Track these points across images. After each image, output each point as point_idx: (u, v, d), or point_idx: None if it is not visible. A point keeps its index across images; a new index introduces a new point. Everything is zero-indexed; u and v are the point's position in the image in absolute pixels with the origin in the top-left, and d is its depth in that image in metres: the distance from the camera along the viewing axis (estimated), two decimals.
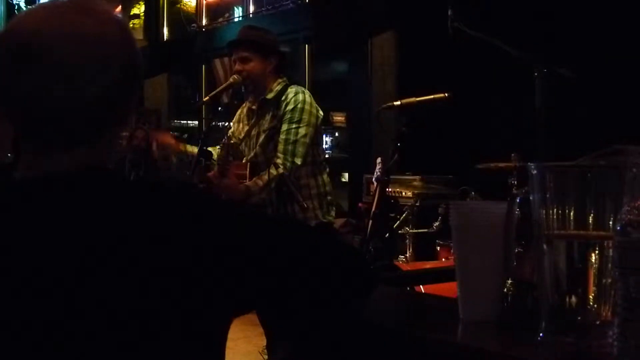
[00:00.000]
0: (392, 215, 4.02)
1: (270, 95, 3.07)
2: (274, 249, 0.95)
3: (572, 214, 0.88)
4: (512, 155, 2.80)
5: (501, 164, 2.81)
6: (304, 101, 3.00)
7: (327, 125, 6.39)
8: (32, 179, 0.93)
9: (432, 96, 2.42)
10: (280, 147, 2.96)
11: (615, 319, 0.83)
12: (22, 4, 11.08)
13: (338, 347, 1.15)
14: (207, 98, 3.21)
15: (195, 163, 3.03)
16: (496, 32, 2.61)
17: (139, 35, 8.97)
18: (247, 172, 3.04)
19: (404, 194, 4.33)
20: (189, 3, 9.11)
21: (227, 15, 8.42)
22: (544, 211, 0.91)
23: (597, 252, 0.88)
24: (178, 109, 9.30)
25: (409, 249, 3.91)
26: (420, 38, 5.18)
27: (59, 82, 0.90)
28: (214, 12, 8.67)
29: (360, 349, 1.12)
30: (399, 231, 3.95)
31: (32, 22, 0.93)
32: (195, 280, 0.88)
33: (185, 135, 9.62)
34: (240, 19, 7.99)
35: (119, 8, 9.54)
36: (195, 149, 3.14)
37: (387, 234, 3.62)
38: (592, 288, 0.88)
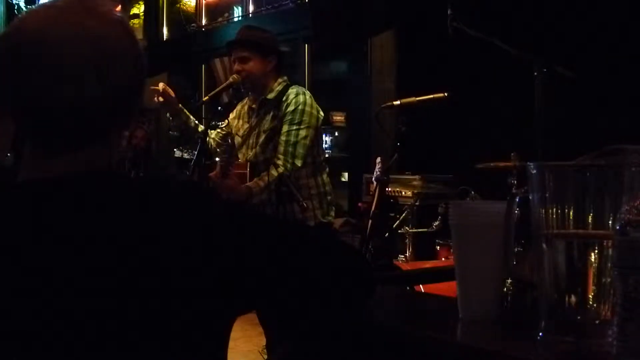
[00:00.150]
0: (392, 214, 4.02)
1: (271, 95, 3.07)
2: (274, 249, 0.95)
3: (571, 213, 0.88)
4: (512, 155, 2.80)
5: (501, 164, 2.80)
6: (304, 102, 3.01)
7: (326, 125, 6.38)
8: (37, 180, 0.93)
9: (431, 96, 2.42)
10: (281, 148, 2.96)
11: (615, 318, 0.83)
12: (22, 4, 11.06)
13: (338, 347, 1.15)
14: (206, 98, 3.22)
15: (195, 163, 3.03)
16: (496, 31, 2.61)
17: (138, 35, 8.92)
18: (247, 171, 3.04)
19: (403, 193, 4.33)
20: (189, 3, 9.10)
21: (226, 15, 8.41)
22: (543, 211, 0.91)
23: (596, 251, 0.88)
24: None
25: (409, 249, 3.92)
26: (420, 38, 5.18)
27: (63, 83, 0.90)
28: (214, 12, 8.66)
29: (360, 349, 1.12)
30: (399, 231, 3.95)
31: (36, 22, 0.93)
32: (198, 280, 0.89)
33: None
34: (240, 18, 7.98)
35: (119, 8, 9.53)
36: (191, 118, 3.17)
37: (387, 234, 3.63)
38: (591, 287, 0.88)
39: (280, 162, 2.93)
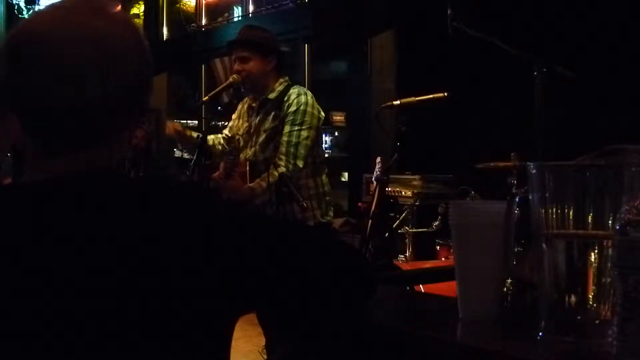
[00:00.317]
0: (392, 214, 4.02)
1: (272, 95, 3.07)
2: (274, 249, 0.95)
3: (571, 213, 0.88)
4: (512, 154, 2.79)
5: (501, 164, 2.80)
6: (306, 103, 3.01)
7: (326, 124, 6.39)
8: (38, 181, 0.93)
9: (431, 96, 2.42)
10: (283, 148, 2.96)
11: (615, 318, 0.83)
12: (22, 4, 11.06)
13: (338, 347, 1.15)
14: (206, 98, 3.22)
15: (195, 163, 3.03)
16: (496, 31, 2.61)
17: None
18: (247, 170, 3.04)
19: (403, 193, 4.33)
20: (189, 3, 9.11)
21: (226, 15, 8.41)
22: (543, 210, 0.91)
23: (596, 251, 0.88)
24: (177, 109, 9.29)
25: (409, 249, 3.91)
26: (419, 38, 5.18)
27: (64, 83, 0.90)
28: (214, 12, 8.66)
29: (360, 349, 1.12)
30: (399, 231, 3.94)
31: (42, 23, 0.93)
32: (198, 281, 0.89)
33: None
34: (240, 18, 7.98)
35: (119, 8, 9.52)
36: (194, 134, 3.18)
37: (387, 234, 3.62)
38: (591, 287, 0.88)
39: (282, 163, 2.93)
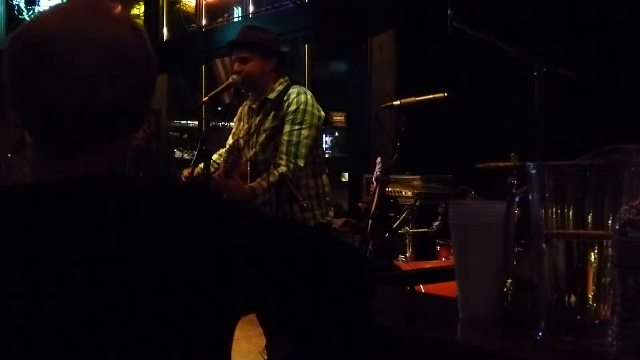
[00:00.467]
0: (392, 215, 4.01)
1: (272, 95, 3.08)
2: (275, 250, 0.96)
3: (571, 213, 0.89)
4: (512, 154, 2.79)
5: (501, 164, 2.80)
6: (306, 102, 3.01)
7: (326, 124, 6.39)
8: (47, 182, 0.93)
9: (431, 96, 2.42)
10: (283, 148, 2.96)
11: (615, 318, 0.83)
12: (22, 5, 11.06)
13: (338, 347, 1.15)
14: (206, 98, 3.22)
15: (195, 163, 3.03)
16: (496, 31, 2.61)
17: None
18: (248, 170, 3.04)
19: (403, 193, 4.32)
20: (189, 3, 9.11)
21: (226, 15, 8.41)
22: (543, 210, 0.91)
23: (596, 251, 0.88)
24: (178, 109, 9.29)
25: (409, 249, 3.91)
26: (419, 38, 5.18)
27: (76, 86, 0.91)
28: (214, 12, 8.66)
29: (360, 349, 1.12)
30: (399, 231, 3.94)
31: (50, 25, 0.93)
32: (199, 281, 0.89)
33: (185, 135, 9.63)
34: (240, 19, 7.98)
35: (119, 8, 9.52)
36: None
37: (387, 234, 3.62)
38: (591, 287, 0.89)
39: (282, 162, 2.92)
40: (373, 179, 2.47)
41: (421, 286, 2.43)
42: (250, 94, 3.21)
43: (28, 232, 0.89)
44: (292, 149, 2.95)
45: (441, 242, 3.79)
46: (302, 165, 2.96)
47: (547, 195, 0.91)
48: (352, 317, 1.10)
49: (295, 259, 0.97)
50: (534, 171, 0.93)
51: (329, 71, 7.48)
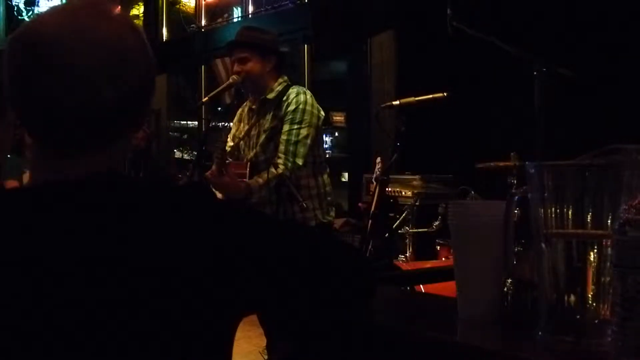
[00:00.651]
0: (392, 214, 4.02)
1: (271, 95, 3.08)
2: (274, 250, 0.96)
3: (570, 212, 0.89)
4: (512, 154, 2.80)
5: (500, 164, 2.80)
6: (305, 102, 3.01)
7: (326, 124, 6.39)
8: (47, 183, 0.93)
9: (431, 96, 2.42)
10: (282, 147, 2.96)
11: (614, 317, 0.84)
12: (22, 5, 11.06)
13: (338, 347, 1.15)
14: (206, 98, 3.22)
15: (194, 163, 3.03)
16: (495, 31, 2.61)
17: None
18: (247, 171, 3.04)
19: (403, 193, 4.32)
20: (188, 3, 9.11)
21: (226, 15, 8.41)
22: (542, 210, 0.91)
23: (595, 250, 0.88)
24: (178, 109, 9.29)
25: (409, 249, 3.91)
26: (419, 37, 5.18)
27: (76, 86, 0.91)
28: (213, 13, 8.66)
29: (360, 349, 1.12)
30: (399, 231, 3.94)
31: (49, 25, 0.93)
32: (199, 282, 0.89)
33: (185, 136, 9.64)
34: (240, 19, 7.98)
35: (119, 8, 9.52)
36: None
37: (387, 234, 3.62)
38: (590, 287, 0.89)
39: (280, 161, 2.93)
40: (373, 179, 2.47)
41: (421, 286, 2.44)
42: (250, 94, 3.21)
43: (28, 232, 0.89)
44: (291, 148, 2.95)
45: (441, 242, 3.79)
46: (300, 164, 2.96)
47: (546, 195, 0.91)
48: (352, 317, 1.10)
49: (295, 259, 0.97)
50: (533, 171, 0.93)
51: (329, 71, 7.48)
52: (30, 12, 10.87)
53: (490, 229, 1.06)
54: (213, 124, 3.52)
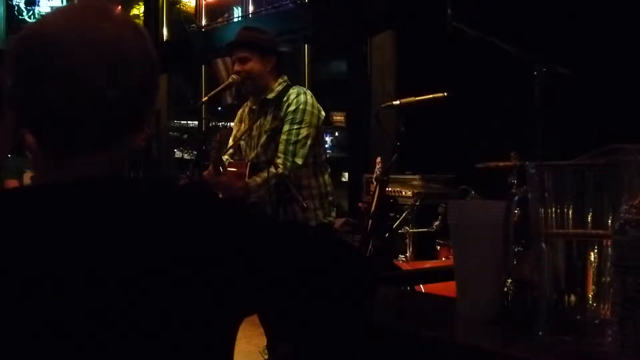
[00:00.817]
0: (392, 214, 4.01)
1: (271, 95, 3.08)
2: (275, 250, 0.96)
3: (570, 212, 0.89)
4: (512, 154, 2.79)
5: (501, 164, 2.80)
6: (305, 102, 3.01)
7: (326, 125, 6.39)
8: (47, 183, 0.93)
9: (431, 95, 2.41)
10: (281, 147, 2.96)
11: (614, 317, 0.84)
12: (22, 5, 11.06)
13: (338, 347, 1.15)
14: (205, 98, 3.22)
15: (194, 164, 3.03)
16: (495, 31, 2.61)
17: None
18: (247, 171, 3.04)
19: (403, 193, 4.32)
20: (188, 3, 9.11)
21: (226, 15, 8.41)
22: (542, 210, 0.91)
23: (595, 250, 0.88)
24: (177, 109, 9.29)
25: (409, 249, 3.91)
26: (419, 38, 5.17)
27: (79, 87, 0.91)
28: (213, 13, 8.66)
29: (360, 348, 1.12)
30: (399, 231, 3.94)
31: (51, 26, 0.93)
32: (200, 282, 0.89)
33: (185, 136, 9.63)
34: (240, 19, 7.98)
35: (119, 8, 9.52)
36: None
37: (387, 234, 3.62)
38: (590, 287, 0.89)
39: (280, 161, 2.92)
40: (373, 179, 2.46)
41: (421, 286, 2.44)
42: (250, 94, 3.21)
43: (28, 233, 0.89)
44: (290, 148, 2.95)
45: (441, 242, 3.79)
46: (300, 163, 2.95)
47: (546, 195, 0.91)
48: (352, 317, 1.10)
49: (295, 259, 0.97)
50: (533, 171, 0.93)
51: (329, 71, 7.48)
52: (31, 12, 10.88)
53: (490, 229, 1.06)
54: (213, 124, 3.51)
